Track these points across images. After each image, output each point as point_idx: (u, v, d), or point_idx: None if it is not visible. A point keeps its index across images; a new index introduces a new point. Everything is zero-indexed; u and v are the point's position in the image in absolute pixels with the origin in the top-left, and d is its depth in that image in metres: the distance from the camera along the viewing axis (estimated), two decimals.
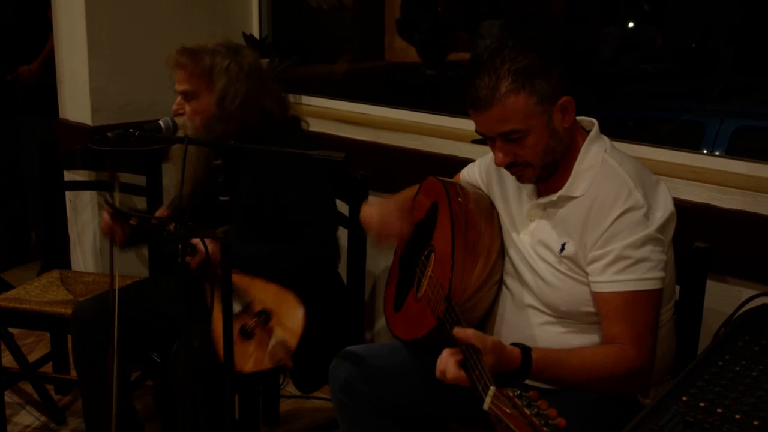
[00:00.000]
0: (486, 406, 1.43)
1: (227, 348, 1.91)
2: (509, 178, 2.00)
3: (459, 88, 1.88)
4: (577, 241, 1.84)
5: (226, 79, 2.39)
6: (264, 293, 2.23)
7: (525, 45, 1.84)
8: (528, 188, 1.98)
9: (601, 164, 1.86)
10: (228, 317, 1.89)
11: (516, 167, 1.88)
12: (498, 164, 1.88)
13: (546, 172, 1.88)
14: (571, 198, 1.87)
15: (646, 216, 1.76)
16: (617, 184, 1.81)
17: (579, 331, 1.87)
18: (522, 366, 1.70)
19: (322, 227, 2.45)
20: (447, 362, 1.66)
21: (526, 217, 1.97)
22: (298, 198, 2.41)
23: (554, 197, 1.89)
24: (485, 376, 1.50)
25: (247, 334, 2.17)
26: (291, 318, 2.20)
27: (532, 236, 1.94)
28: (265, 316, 2.19)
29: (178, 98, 2.43)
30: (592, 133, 1.91)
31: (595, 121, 1.95)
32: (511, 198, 2.02)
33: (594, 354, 1.78)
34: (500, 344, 1.68)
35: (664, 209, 1.80)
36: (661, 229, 1.77)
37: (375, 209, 2.16)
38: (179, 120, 2.39)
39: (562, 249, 1.86)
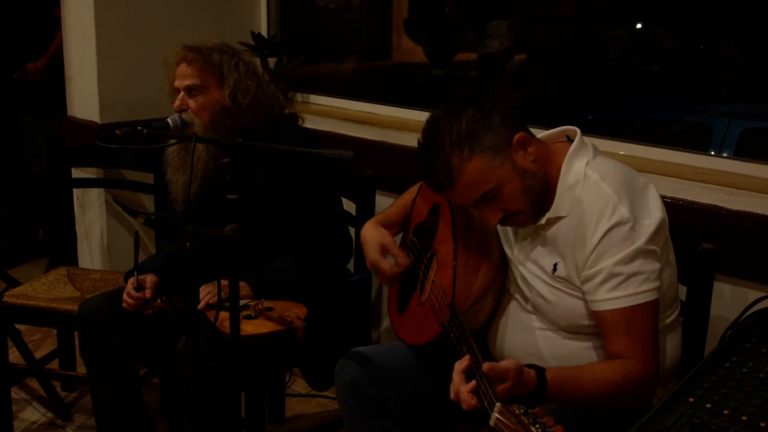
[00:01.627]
0: (492, 422, 1.43)
1: (233, 346, 1.92)
2: None
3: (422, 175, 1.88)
4: (568, 261, 1.83)
5: (237, 75, 2.44)
6: (266, 303, 2.32)
7: (455, 107, 1.83)
8: None
9: (583, 180, 1.83)
10: (235, 311, 1.90)
11: (509, 220, 1.87)
12: (492, 225, 1.87)
13: (537, 208, 1.86)
14: (558, 218, 1.85)
15: (633, 229, 1.74)
16: (600, 200, 1.78)
17: (579, 339, 1.87)
18: (537, 387, 1.67)
19: (335, 220, 2.52)
20: (463, 393, 1.60)
21: (520, 236, 1.96)
22: (309, 194, 2.45)
23: (543, 220, 1.87)
24: (490, 392, 1.50)
25: (252, 317, 2.24)
26: (294, 307, 2.28)
27: (525, 255, 1.93)
28: (269, 308, 2.26)
29: (181, 94, 2.44)
30: (573, 146, 1.87)
31: (578, 129, 1.92)
32: None
33: (604, 369, 1.77)
34: (521, 368, 1.62)
35: (651, 217, 1.77)
36: (651, 239, 1.75)
37: (371, 244, 2.17)
38: (186, 117, 2.41)
39: (555, 269, 1.86)
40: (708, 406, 1.44)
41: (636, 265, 1.74)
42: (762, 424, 1.38)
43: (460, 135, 1.77)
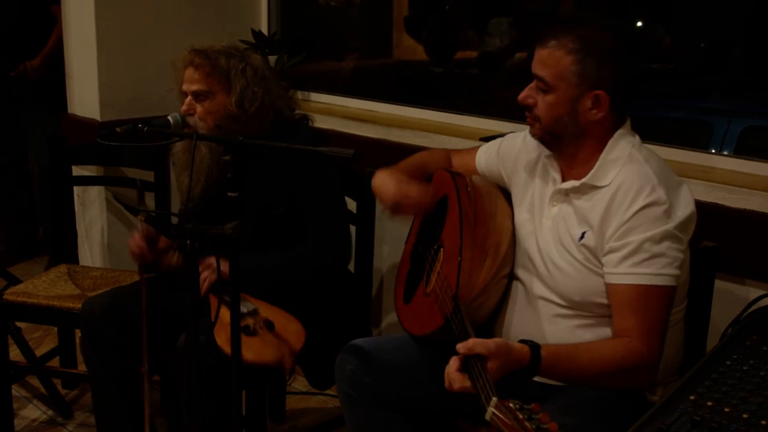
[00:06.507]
0: (488, 416, 1.44)
1: (234, 343, 1.92)
2: (539, 163, 2.03)
3: None
4: (597, 231, 1.84)
5: (244, 81, 2.42)
6: (267, 310, 2.29)
7: (610, 30, 1.91)
8: (553, 173, 1.98)
9: (627, 157, 1.88)
10: (235, 315, 1.90)
11: (529, 112, 1.93)
12: (519, 99, 1.93)
13: (548, 137, 1.92)
14: (594, 187, 1.88)
15: (667, 213, 1.77)
16: (641, 178, 1.82)
17: (591, 325, 1.88)
18: (531, 364, 1.70)
19: (336, 223, 2.50)
20: (453, 373, 1.66)
21: (549, 201, 1.98)
22: (312, 195, 2.44)
23: (577, 184, 1.90)
24: (488, 386, 1.51)
25: (250, 332, 2.20)
26: (292, 331, 2.24)
27: (553, 221, 1.95)
28: (269, 324, 2.23)
29: (188, 98, 2.43)
30: (624, 128, 1.93)
31: (627, 117, 1.97)
32: (537, 180, 2.04)
33: (602, 348, 1.78)
34: (506, 345, 1.67)
35: (685, 208, 1.80)
36: (681, 227, 1.78)
37: (391, 181, 2.16)
38: (190, 119, 2.40)
39: (582, 237, 1.87)
40: (709, 403, 1.44)
41: (663, 247, 1.76)
42: (763, 422, 1.38)
43: (587, 39, 1.85)
